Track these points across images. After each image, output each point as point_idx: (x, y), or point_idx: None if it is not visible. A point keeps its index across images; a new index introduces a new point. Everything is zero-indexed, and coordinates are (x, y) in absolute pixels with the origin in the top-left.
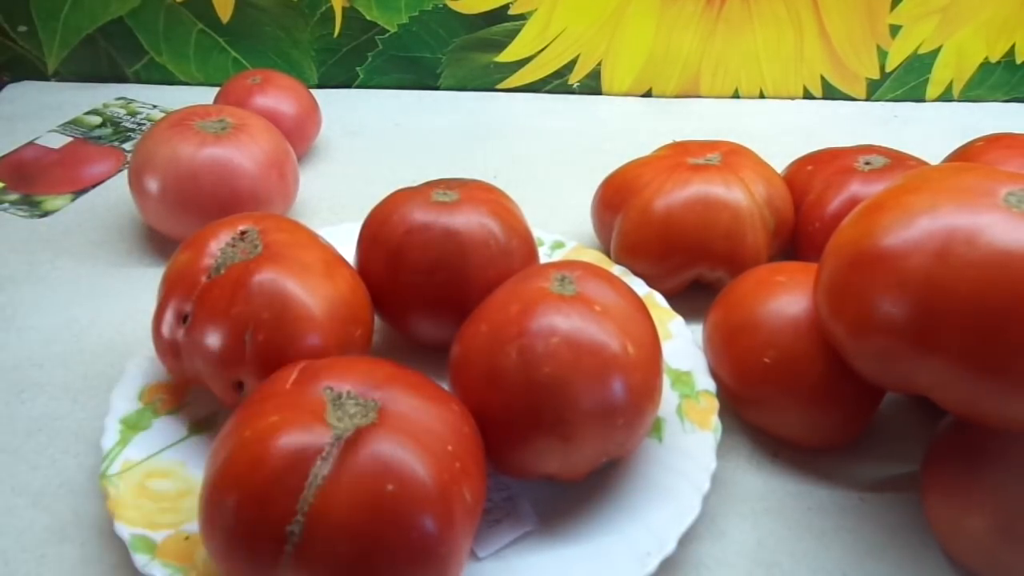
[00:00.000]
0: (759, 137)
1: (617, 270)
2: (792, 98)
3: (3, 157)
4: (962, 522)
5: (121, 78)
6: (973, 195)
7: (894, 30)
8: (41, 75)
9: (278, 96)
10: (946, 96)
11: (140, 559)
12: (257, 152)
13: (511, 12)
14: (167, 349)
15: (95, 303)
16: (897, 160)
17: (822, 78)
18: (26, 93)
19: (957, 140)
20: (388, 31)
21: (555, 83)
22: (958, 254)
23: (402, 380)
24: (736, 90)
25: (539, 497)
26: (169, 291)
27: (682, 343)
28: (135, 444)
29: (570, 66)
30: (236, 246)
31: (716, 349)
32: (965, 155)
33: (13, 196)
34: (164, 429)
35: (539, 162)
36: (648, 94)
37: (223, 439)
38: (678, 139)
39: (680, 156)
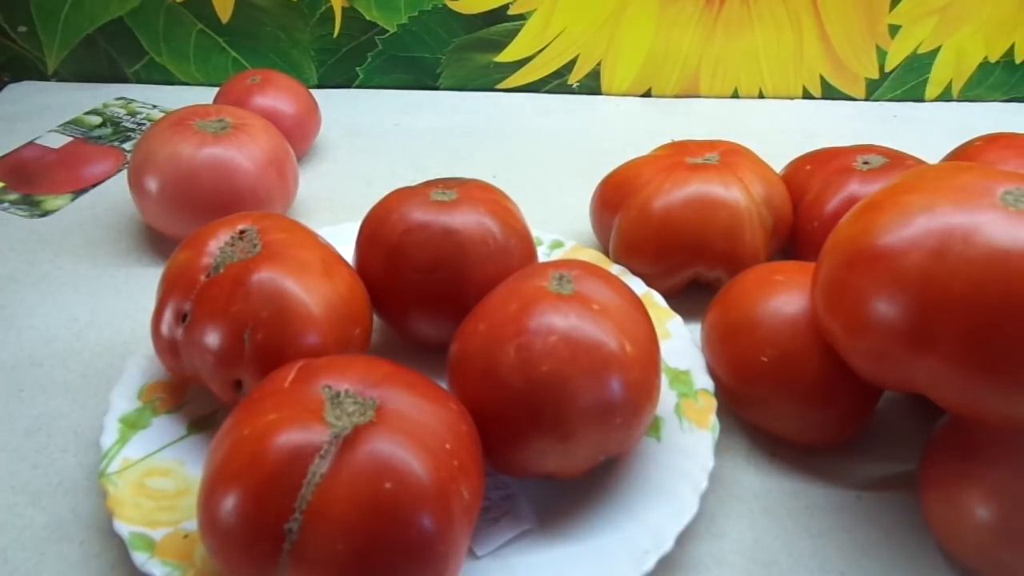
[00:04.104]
0: (758, 137)
1: (616, 269)
2: (791, 98)
3: (3, 157)
4: (960, 520)
5: (121, 78)
6: (970, 194)
7: (893, 30)
8: (41, 75)
9: (278, 96)
10: (945, 96)
11: (139, 557)
12: (256, 152)
13: (511, 12)
14: (166, 348)
15: (95, 302)
16: (896, 160)
17: (821, 78)
18: (26, 93)
19: (956, 140)
20: (388, 31)
21: (554, 83)
22: (955, 253)
23: (400, 379)
24: (735, 90)
25: (537, 495)
26: (168, 290)
27: (680, 342)
28: (134, 443)
29: (569, 66)
30: (235, 245)
31: (714, 348)
32: (964, 155)
33: (13, 196)
34: (163, 428)
35: (538, 162)
36: (647, 94)
37: (222, 437)
38: (677, 139)
39: (679, 156)
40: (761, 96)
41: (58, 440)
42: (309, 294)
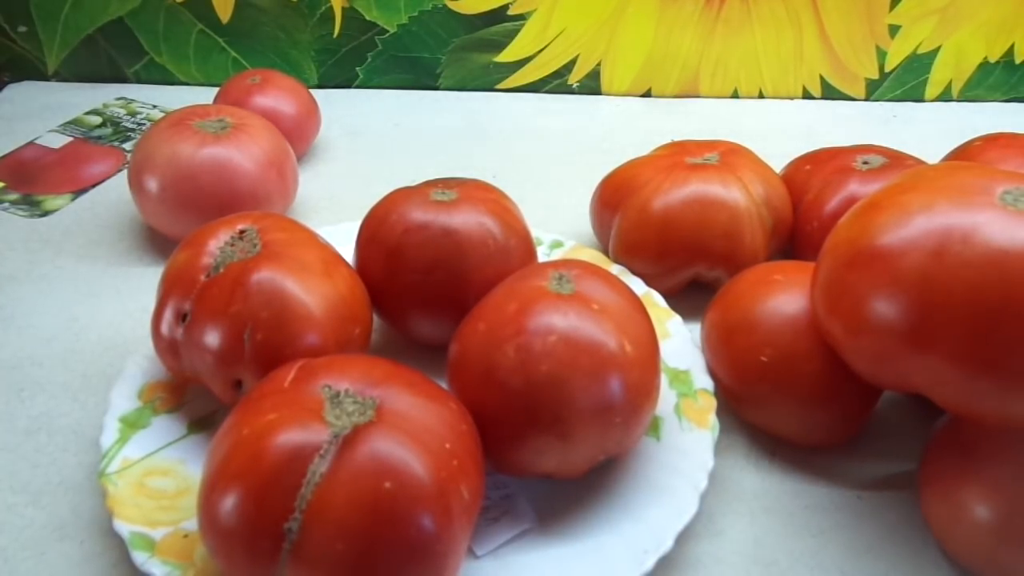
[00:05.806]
0: (758, 137)
1: (615, 269)
2: (791, 98)
3: (3, 157)
4: (959, 520)
5: (121, 78)
6: (969, 194)
7: (893, 30)
8: (41, 75)
9: (278, 96)
10: (945, 96)
11: (139, 557)
12: (256, 152)
13: (511, 12)
14: (166, 348)
15: (95, 302)
16: (895, 160)
17: (821, 78)
18: (26, 93)
19: (956, 140)
20: (388, 31)
21: (554, 83)
22: (954, 253)
23: (400, 378)
24: (735, 90)
25: (537, 495)
26: (168, 290)
27: (680, 342)
28: (134, 442)
29: (569, 66)
30: (235, 245)
31: (714, 348)
32: (963, 155)
33: (13, 196)
34: (163, 427)
35: (538, 162)
36: (647, 94)
37: (221, 437)
38: (677, 139)
39: (678, 156)
40: (761, 96)
41: (58, 440)
42: (309, 294)
